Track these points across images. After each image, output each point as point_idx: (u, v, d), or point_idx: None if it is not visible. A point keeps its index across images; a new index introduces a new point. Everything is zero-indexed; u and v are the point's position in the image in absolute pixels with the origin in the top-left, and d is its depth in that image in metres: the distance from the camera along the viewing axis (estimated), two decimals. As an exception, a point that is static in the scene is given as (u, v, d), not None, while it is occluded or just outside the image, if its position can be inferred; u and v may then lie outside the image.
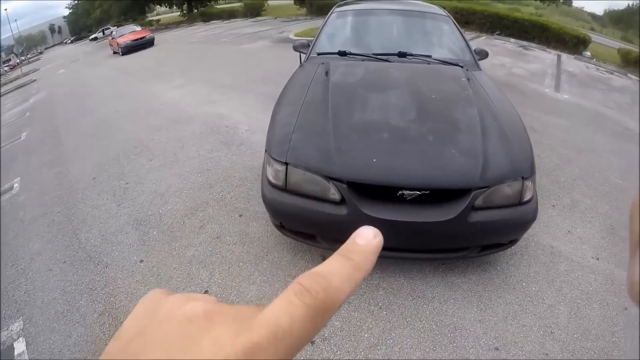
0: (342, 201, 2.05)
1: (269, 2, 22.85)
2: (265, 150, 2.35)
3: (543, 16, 21.79)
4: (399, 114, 2.44)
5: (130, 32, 16.11)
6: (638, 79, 10.12)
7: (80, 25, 39.07)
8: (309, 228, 2.31)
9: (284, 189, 2.18)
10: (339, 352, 2.02)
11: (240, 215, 3.07)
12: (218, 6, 26.82)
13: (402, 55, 3.25)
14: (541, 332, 2.13)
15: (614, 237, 2.94)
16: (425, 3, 4.95)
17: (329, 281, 0.22)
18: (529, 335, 2.10)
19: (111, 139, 5.01)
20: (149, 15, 33.66)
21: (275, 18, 16.45)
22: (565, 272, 2.56)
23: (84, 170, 4.21)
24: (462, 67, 3.25)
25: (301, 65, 3.36)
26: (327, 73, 2.91)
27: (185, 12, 28.53)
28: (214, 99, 6.09)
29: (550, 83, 8.44)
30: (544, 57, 11.17)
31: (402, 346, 2.04)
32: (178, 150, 4.26)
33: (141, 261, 2.71)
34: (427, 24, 3.94)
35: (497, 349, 2.02)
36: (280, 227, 2.42)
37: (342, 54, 3.28)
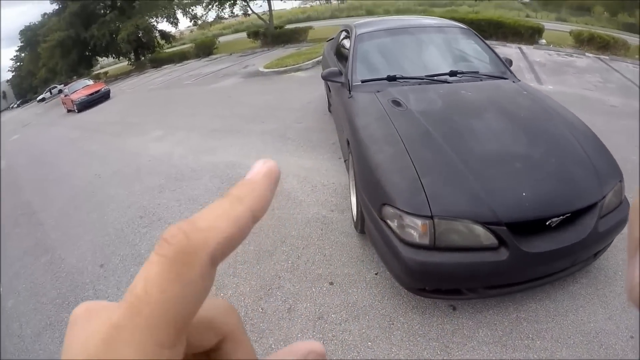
0: (501, 244, 1.83)
1: (220, 38, 22.25)
2: (384, 204, 1.96)
3: (479, 12, 22.61)
4: (511, 139, 2.33)
5: (83, 87, 14.79)
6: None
7: (26, 88, 36.53)
8: (461, 283, 1.99)
9: (433, 246, 1.81)
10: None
11: (331, 284, 2.39)
12: (167, 50, 25.86)
13: (452, 74, 3.12)
14: (653, 311, 2.09)
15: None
16: (438, 18, 4.84)
17: (193, 223, 0.17)
18: (647, 318, 2.15)
19: (103, 210, 4.09)
20: (93, 69, 32.13)
21: (230, 54, 15.74)
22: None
23: (83, 255, 3.29)
24: (506, 79, 3.26)
25: (350, 96, 2.98)
26: (397, 102, 2.67)
27: (133, 60, 27.19)
28: (211, 146, 5.22)
29: (530, 77, 8.38)
30: (509, 53, 11.16)
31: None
32: (199, 213, 3.45)
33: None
34: (455, 38, 3.84)
35: (632, 337, 2.06)
36: (422, 291, 2.06)
37: (392, 78, 3.05)
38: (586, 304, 2.28)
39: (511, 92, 3.02)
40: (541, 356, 1.97)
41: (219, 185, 3.95)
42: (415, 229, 1.83)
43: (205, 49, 18.59)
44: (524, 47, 11.97)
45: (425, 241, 1.81)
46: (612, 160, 2.30)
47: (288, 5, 34.83)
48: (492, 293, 2.09)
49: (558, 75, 8.68)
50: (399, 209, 1.88)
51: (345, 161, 3.40)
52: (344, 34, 4.48)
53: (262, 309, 2.30)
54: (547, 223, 1.89)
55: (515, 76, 3.39)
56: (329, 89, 4.76)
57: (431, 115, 2.54)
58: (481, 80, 3.17)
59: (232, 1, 17.80)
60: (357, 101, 2.90)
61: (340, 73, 3.30)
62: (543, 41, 12.93)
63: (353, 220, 2.85)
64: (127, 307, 0.16)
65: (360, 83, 3.09)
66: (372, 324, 2.14)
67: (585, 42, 12.48)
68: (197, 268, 0.16)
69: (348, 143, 2.86)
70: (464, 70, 3.21)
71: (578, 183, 2.07)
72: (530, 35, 12.79)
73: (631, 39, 14.65)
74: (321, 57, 9.68)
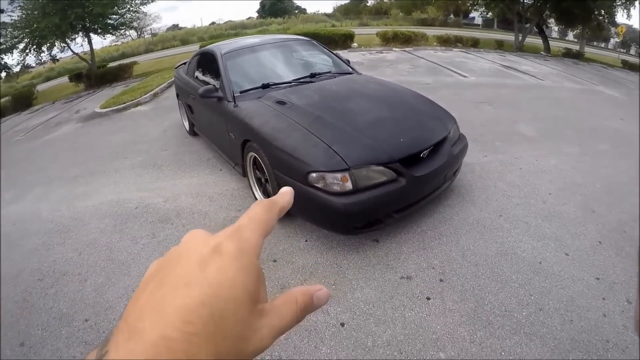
0: (399, 176, 2.57)
1: (38, 87, 18.91)
2: (309, 172, 2.49)
3: (290, 28, 24.56)
4: (379, 110, 3.13)
5: None
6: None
7: None
8: (382, 211, 2.61)
9: (355, 190, 2.44)
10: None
11: (275, 261, 2.79)
12: (-24, 108, 20.93)
13: (313, 75, 3.83)
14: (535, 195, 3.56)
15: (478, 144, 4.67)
16: (284, 34, 5.36)
17: (269, 198, 0.35)
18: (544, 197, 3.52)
19: None
20: None
21: (54, 102, 13.73)
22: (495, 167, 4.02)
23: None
24: (352, 73, 4.19)
25: (236, 105, 3.36)
26: (282, 102, 3.20)
27: None
28: (81, 192, 4.54)
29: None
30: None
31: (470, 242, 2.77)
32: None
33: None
34: (305, 48, 4.64)
35: (500, 215, 3.16)
36: (356, 229, 2.60)
37: (266, 86, 3.56)
38: (462, 208, 3.25)
39: (362, 81, 3.93)
40: (452, 248, 2.76)
41: (113, 223, 3.63)
42: (338, 183, 2.42)
43: (23, 100, 15.71)
44: (340, 52, 13.64)
45: (350, 187, 2.43)
46: (446, 111, 3.42)
47: (98, 45, 31.45)
48: (401, 215, 2.78)
49: (375, 69, 10.20)
50: (322, 171, 2.45)
51: (235, 166, 3.73)
52: (199, 57, 4.80)
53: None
54: (421, 155, 2.74)
55: (357, 71, 4.28)
56: (190, 111, 4.97)
57: (315, 105, 3.14)
58: (335, 77, 3.95)
59: (50, 42, 15.52)
60: (245, 108, 3.28)
61: (216, 89, 3.60)
62: (355, 44, 14.99)
63: None
64: (247, 218, 0.32)
65: (239, 94, 3.49)
66: (326, 274, 2.59)
67: (391, 40, 14.94)
68: (276, 212, 0.34)
69: (243, 145, 3.20)
70: (321, 72, 3.99)
71: (431, 126, 3.05)
72: (343, 41, 14.68)
73: (428, 30, 18.06)
74: (155, 89, 9.50)
